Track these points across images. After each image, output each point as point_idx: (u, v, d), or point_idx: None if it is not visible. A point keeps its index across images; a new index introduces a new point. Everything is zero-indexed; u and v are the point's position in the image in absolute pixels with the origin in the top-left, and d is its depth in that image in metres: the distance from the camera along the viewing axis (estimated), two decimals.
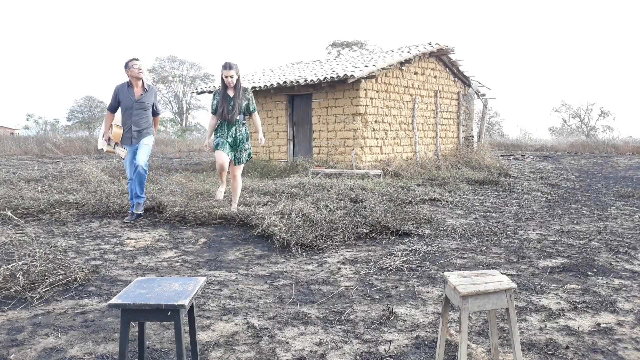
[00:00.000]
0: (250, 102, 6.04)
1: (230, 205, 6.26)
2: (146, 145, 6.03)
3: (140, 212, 6.03)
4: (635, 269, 4.42)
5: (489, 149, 16.13)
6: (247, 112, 6.06)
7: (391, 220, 5.81)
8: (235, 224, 5.82)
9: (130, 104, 5.92)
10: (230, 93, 5.95)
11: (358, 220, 5.83)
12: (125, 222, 5.87)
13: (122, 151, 5.99)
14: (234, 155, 6.08)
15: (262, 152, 14.01)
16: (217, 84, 15.69)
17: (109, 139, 5.98)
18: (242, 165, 6.24)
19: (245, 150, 6.12)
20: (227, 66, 5.83)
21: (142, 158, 5.95)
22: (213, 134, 6.10)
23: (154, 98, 6.11)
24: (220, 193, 6.30)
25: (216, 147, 6.00)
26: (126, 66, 5.92)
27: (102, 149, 6.07)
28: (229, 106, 5.88)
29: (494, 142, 27.61)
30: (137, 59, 5.94)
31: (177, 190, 7.46)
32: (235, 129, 5.99)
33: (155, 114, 6.20)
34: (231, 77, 5.82)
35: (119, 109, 6.12)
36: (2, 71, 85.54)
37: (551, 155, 22.20)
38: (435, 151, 14.75)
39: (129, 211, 6.09)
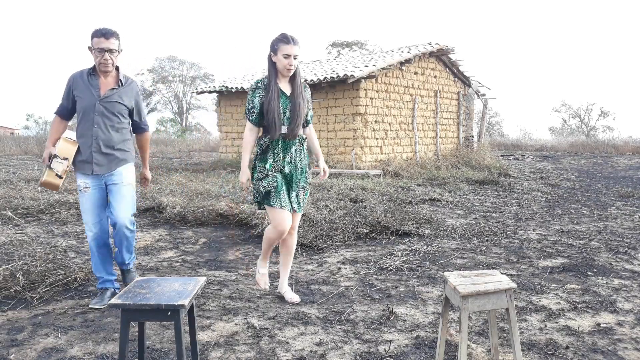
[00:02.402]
0: (310, 106, 3.58)
1: (278, 284, 3.77)
2: (128, 187, 3.47)
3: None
4: (635, 269, 4.42)
5: (489, 149, 16.14)
6: (306, 123, 3.56)
7: (391, 220, 5.81)
8: (235, 224, 5.83)
9: (92, 103, 3.34)
10: (286, 89, 3.44)
11: (358, 220, 5.83)
12: (91, 307, 3.34)
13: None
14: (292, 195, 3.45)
15: None
16: (218, 84, 15.12)
17: (50, 156, 3.34)
18: (301, 214, 3.58)
19: (308, 185, 3.53)
20: (291, 40, 3.30)
21: (125, 211, 3.42)
22: (258, 159, 3.41)
23: (135, 98, 3.50)
24: (265, 277, 3.66)
25: (269, 198, 3.32)
26: (91, 42, 3.32)
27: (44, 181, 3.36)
28: (285, 112, 3.35)
29: (494, 142, 27.63)
30: (108, 33, 3.28)
31: (177, 190, 7.45)
32: (295, 151, 3.42)
33: (140, 128, 3.64)
34: (295, 58, 3.33)
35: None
36: (2, 71, 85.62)
37: (551, 155, 22.20)
38: (435, 151, 14.76)
39: (97, 288, 3.56)
